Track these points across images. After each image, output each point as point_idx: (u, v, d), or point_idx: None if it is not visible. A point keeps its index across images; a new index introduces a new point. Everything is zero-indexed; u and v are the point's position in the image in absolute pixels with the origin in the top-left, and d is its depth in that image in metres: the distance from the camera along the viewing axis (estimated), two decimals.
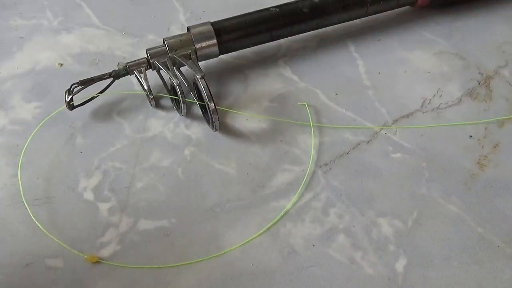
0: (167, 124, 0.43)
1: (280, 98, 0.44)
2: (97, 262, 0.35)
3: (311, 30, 0.47)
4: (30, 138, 0.41)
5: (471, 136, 0.42)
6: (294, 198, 0.38)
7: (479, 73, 0.46)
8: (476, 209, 0.37)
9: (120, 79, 0.43)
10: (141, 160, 0.40)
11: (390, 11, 0.49)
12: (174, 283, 0.34)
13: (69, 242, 0.36)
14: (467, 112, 0.43)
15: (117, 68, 0.42)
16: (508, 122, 0.42)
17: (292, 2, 0.45)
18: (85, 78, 0.41)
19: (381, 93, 0.45)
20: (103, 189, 0.38)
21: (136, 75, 0.42)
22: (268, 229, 0.36)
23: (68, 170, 0.40)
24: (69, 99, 0.41)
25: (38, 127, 0.42)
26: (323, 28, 0.48)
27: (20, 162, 0.40)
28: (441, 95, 0.44)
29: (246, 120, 0.43)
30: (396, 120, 0.43)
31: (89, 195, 0.38)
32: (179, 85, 0.40)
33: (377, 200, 0.38)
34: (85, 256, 0.35)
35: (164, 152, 0.41)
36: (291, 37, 0.47)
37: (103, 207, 0.38)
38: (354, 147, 0.41)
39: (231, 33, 0.43)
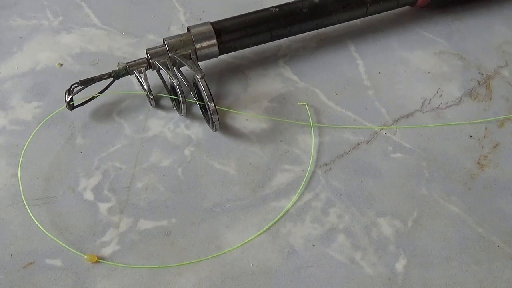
0: (167, 124, 0.43)
1: (280, 98, 0.44)
2: (97, 262, 0.35)
3: (311, 30, 0.47)
4: (30, 138, 0.41)
5: (471, 136, 0.42)
6: (294, 198, 0.38)
7: (479, 73, 0.46)
8: (476, 209, 0.37)
9: (120, 79, 0.43)
10: (141, 160, 0.40)
11: (390, 11, 0.49)
12: (174, 283, 0.34)
13: (69, 242, 0.36)
14: (467, 112, 0.43)
15: (117, 68, 0.42)
16: (508, 122, 0.42)
17: (292, 2, 0.45)
18: (85, 78, 0.41)
19: (381, 93, 0.45)
20: (103, 189, 0.38)
21: (136, 75, 0.42)
22: (268, 229, 0.36)
23: (68, 170, 0.40)
24: (69, 99, 0.41)
25: (38, 127, 0.42)
26: (323, 28, 0.48)
27: (20, 162, 0.40)
28: (441, 95, 0.44)
29: (246, 120, 0.43)
30: (396, 120, 0.43)
31: (89, 195, 0.38)
32: (179, 85, 0.40)
33: (377, 200, 0.38)
34: (85, 256, 0.35)
35: (164, 152, 0.41)
36: (291, 37, 0.47)
37: (103, 207, 0.38)
38: (354, 147, 0.41)
39: (231, 33, 0.43)
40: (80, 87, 0.41)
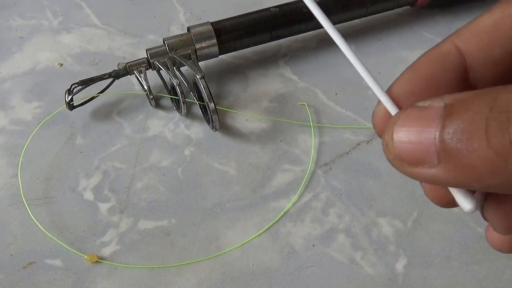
0: (167, 124, 0.43)
1: (280, 98, 0.44)
2: (97, 262, 0.35)
3: (311, 30, 0.47)
4: (30, 138, 0.41)
5: None
6: (294, 198, 0.38)
7: None
8: None
9: (120, 79, 0.43)
10: (141, 160, 0.40)
11: (390, 11, 0.49)
12: (174, 283, 0.34)
13: (69, 242, 0.36)
14: None
15: (117, 68, 0.42)
16: None
17: (292, 2, 0.45)
18: (85, 78, 0.41)
19: None
20: (103, 189, 0.38)
21: (136, 75, 0.42)
22: (268, 229, 0.36)
23: (68, 170, 0.40)
24: (69, 99, 0.41)
25: (38, 127, 0.42)
26: (323, 28, 0.47)
27: (20, 162, 0.40)
28: None
29: (246, 120, 0.43)
30: None
31: (89, 195, 0.38)
32: (179, 85, 0.40)
33: (377, 200, 0.38)
34: (85, 256, 0.35)
35: (164, 152, 0.41)
36: (291, 37, 0.47)
37: (103, 207, 0.38)
38: (354, 147, 0.41)
39: (231, 33, 0.43)
40: (80, 87, 0.41)
